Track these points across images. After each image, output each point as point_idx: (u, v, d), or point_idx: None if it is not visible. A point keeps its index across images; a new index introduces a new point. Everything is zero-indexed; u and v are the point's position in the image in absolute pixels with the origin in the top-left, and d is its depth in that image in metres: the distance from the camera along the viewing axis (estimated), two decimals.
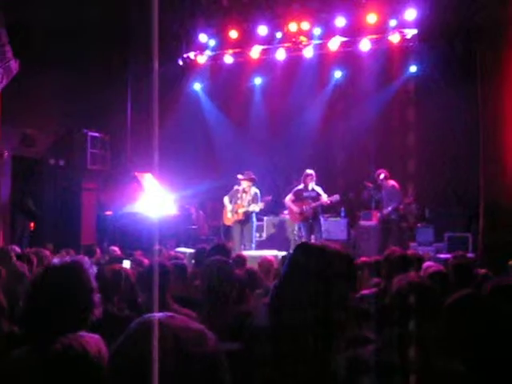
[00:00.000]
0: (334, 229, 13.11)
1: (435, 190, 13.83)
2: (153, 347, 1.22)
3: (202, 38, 15.14)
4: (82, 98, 13.03)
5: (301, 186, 12.02)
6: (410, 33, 13.54)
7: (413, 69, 14.51)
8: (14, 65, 11.16)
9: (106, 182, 14.40)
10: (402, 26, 13.57)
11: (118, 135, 14.79)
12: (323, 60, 14.80)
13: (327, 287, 1.76)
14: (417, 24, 13.31)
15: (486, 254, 10.16)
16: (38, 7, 11.41)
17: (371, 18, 13.52)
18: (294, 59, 14.90)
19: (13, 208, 12.57)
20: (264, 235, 13.69)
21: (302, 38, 14.52)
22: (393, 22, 13.59)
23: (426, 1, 12.85)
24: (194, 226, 14.51)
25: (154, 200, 12.60)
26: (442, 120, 13.52)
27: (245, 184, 11.95)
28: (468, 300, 2.85)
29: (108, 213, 13.79)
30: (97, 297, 2.62)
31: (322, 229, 12.05)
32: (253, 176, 12.01)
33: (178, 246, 12.23)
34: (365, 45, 13.93)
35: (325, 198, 11.73)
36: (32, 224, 13.26)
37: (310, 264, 1.81)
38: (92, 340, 2.28)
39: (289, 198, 12.16)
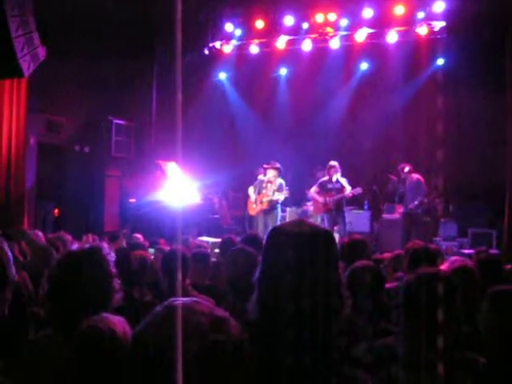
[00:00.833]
0: (357, 221, 13.06)
1: (460, 185, 13.70)
2: (176, 331, 1.22)
3: (228, 27, 15.11)
4: (107, 85, 13.08)
5: (325, 178, 12.00)
6: (438, 25, 13.40)
7: (440, 61, 14.35)
8: (42, 52, 11.22)
9: (129, 170, 14.47)
10: (429, 18, 13.43)
11: (142, 123, 14.86)
12: (349, 51, 14.71)
13: (311, 272, 1.72)
14: (445, 16, 13.17)
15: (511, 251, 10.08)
16: None
17: (399, 10, 13.40)
18: (320, 50, 14.81)
19: (37, 194, 12.69)
20: None
21: (329, 29, 14.43)
22: (420, 14, 13.45)
23: None
24: (216, 216, 14.53)
25: (177, 188, 12.64)
26: (469, 113, 13.39)
27: (270, 174, 11.95)
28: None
29: (131, 200, 13.87)
30: (116, 282, 2.65)
31: (346, 220, 12.01)
32: (278, 165, 12.00)
33: (201, 235, 12.28)
34: (392, 37, 13.80)
35: (348, 190, 11.70)
36: (56, 210, 13.38)
37: (286, 250, 1.76)
38: (117, 321, 2.30)
39: (313, 190, 12.15)
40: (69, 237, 6.90)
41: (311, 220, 13.15)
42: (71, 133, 13.68)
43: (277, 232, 1.84)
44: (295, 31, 14.66)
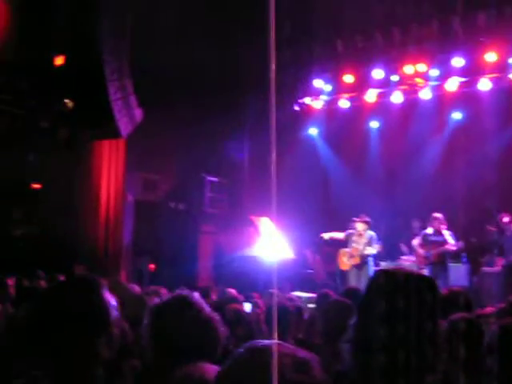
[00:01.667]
0: (455, 275, 12.63)
1: None
2: (259, 373, 1.22)
3: (318, 83, 15.28)
4: (200, 143, 13.44)
5: (429, 230, 11.73)
6: None
7: None
8: (138, 113, 11.72)
9: (223, 226, 14.67)
10: None
11: (235, 179, 15.10)
12: (441, 101, 14.51)
13: (415, 320, 1.67)
14: None
15: None
16: (160, 59, 11.96)
17: (490, 57, 13.17)
18: (411, 101, 14.71)
19: (134, 249, 13.04)
20: None
21: (419, 80, 14.35)
22: None
23: None
24: (310, 271, 14.44)
25: (271, 244, 12.69)
26: None
27: (360, 227, 11.84)
28: None
29: (225, 256, 14.00)
30: (222, 329, 2.66)
31: (448, 275, 11.65)
32: (367, 219, 11.88)
33: (294, 290, 12.20)
34: (484, 84, 13.55)
35: (451, 243, 11.40)
36: (151, 265, 13.67)
37: (391, 295, 1.71)
38: (212, 370, 2.30)
39: (416, 241, 11.92)
40: (164, 290, 7.02)
41: None
42: (166, 190, 14.07)
43: (375, 279, 1.82)
44: (385, 84, 14.66)
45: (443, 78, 13.98)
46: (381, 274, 1.83)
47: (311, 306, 7.85)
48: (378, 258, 12.52)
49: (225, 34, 13.68)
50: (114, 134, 11.72)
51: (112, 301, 2.26)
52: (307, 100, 15.64)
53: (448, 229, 12.01)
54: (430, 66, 13.99)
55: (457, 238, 11.78)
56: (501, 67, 13.36)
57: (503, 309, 5.99)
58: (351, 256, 11.90)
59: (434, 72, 14.01)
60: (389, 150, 15.51)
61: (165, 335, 2.57)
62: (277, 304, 5.00)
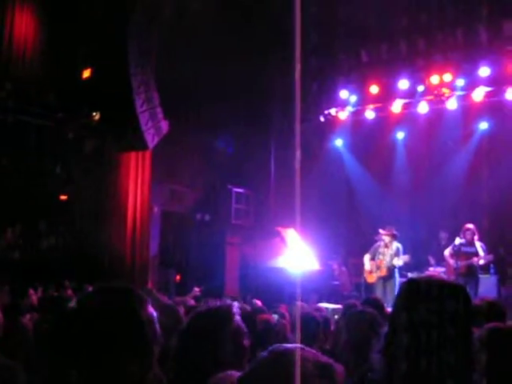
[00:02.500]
0: (483, 286, 12.48)
1: None
2: (281, 377, 1.23)
3: (343, 94, 15.26)
4: (226, 155, 13.50)
5: (461, 241, 11.63)
6: None
7: None
8: (164, 125, 11.81)
9: (249, 237, 14.69)
10: None
11: (261, 191, 15.12)
12: (467, 111, 14.41)
13: (436, 327, 1.66)
14: None
15: None
16: (186, 70, 12.06)
17: None
18: (437, 112, 14.62)
19: (160, 260, 13.11)
20: None
21: (445, 90, 14.25)
22: None
23: None
24: (336, 282, 14.39)
25: (297, 255, 12.67)
26: None
27: (386, 239, 11.78)
28: None
29: (251, 267, 14.01)
30: (247, 341, 2.66)
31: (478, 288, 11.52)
32: (394, 231, 11.82)
33: (320, 302, 12.16)
34: (511, 94, 13.44)
35: (481, 255, 11.30)
36: (178, 276, 13.72)
37: (413, 302, 1.71)
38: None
39: (448, 251, 11.84)
40: (192, 301, 7.05)
41: None
42: (193, 201, 14.15)
43: (405, 287, 1.82)
44: (410, 94, 14.59)
45: (469, 87, 13.87)
46: (405, 282, 1.83)
47: (337, 317, 7.80)
48: (404, 269, 12.44)
49: (251, 46, 13.74)
50: (141, 145, 11.83)
51: (153, 315, 2.13)
52: (333, 111, 15.62)
53: (479, 239, 11.90)
54: (456, 75, 13.91)
55: (487, 250, 11.65)
56: None
57: None
58: (378, 268, 11.84)
59: (460, 82, 13.92)
60: (414, 161, 15.43)
61: (193, 347, 2.58)
62: (303, 315, 4.99)
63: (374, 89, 14.79)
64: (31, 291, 8.74)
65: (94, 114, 11.77)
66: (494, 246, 13.40)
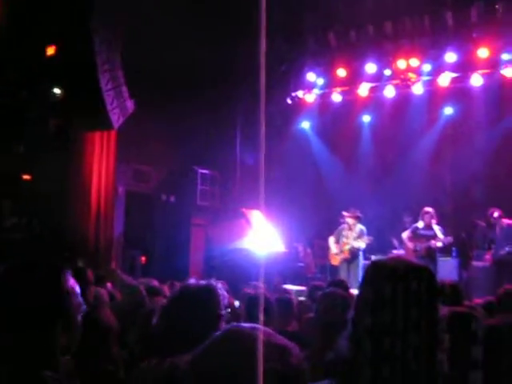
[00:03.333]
0: (445, 269, 12.66)
1: None
2: (233, 358, 1.21)
3: (311, 76, 15.28)
4: (192, 135, 13.42)
5: (419, 224, 11.79)
6: None
7: None
8: (130, 104, 11.67)
9: (214, 218, 14.67)
10: None
11: (227, 172, 15.10)
12: (433, 96, 14.55)
13: (408, 308, 1.67)
14: None
15: None
16: (153, 51, 11.92)
17: (482, 53, 13.20)
18: (403, 96, 14.74)
19: (125, 241, 13.02)
20: None
21: (411, 75, 14.36)
22: (505, 56, 13.20)
23: None
24: (301, 264, 14.46)
25: (262, 237, 12.69)
26: None
27: (350, 221, 11.87)
28: None
29: (216, 248, 14.00)
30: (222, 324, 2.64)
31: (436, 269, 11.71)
32: (358, 213, 11.90)
33: (285, 284, 12.22)
34: (476, 80, 13.59)
35: (440, 238, 11.46)
36: (143, 257, 13.66)
37: (383, 286, 1.71)
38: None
39: (406, 235, 11.97)
40: (155, 282, 7.04)
41: None
42: (158, 182, 14.05)
43: (374, 267, 1.82)
44: (377, 78, 14.68)
45: (435, 72, 14.01)
46: (371, 264, 1.84)
47: (302, 298, 7.85)
48: (368, 251, 12.55)
49: (218, 28, 13.63)
50: (106, 125, 11.67)
51: (75, 288, 2.14)
52: (300, 93, 15.64)
53: (438, 223, 12.06)
54: (423, 60, 14.02)
55: (446, 232, 11.84)
56: (493, 63, 13.40)
57: (491, 302, 6.04)
58: (341, 250, 11.92)
59: (427, 67, 14.05)
60: (380, 144, 15.54)
61: (175, 323, 2.54)
62: (262, 296, 5.00)
63: (342, 72, 14.83)
64: None
65: (58, 92, 11.56)
66: (456, 229, 13.61)
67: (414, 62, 14.04)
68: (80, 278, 4.46)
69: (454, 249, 13.23)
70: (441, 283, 5.11)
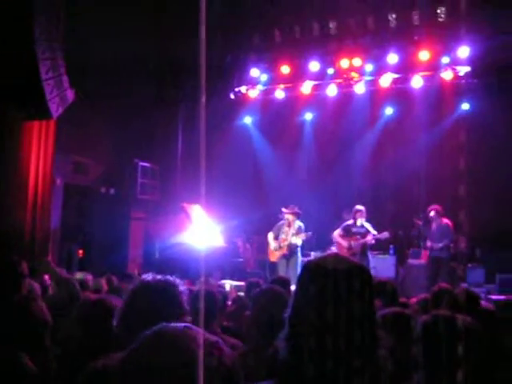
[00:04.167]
0: (382, 266, 12.90)
1: (487, 230, 13.52)
2: (163, 357, 1.20)
3: (254, 72, 15.30)
4: (133, 128, 13.26)
5: (350, 222, 11.95)
6: (463, 70, 13.44)
7: (465, 106, 14.33)
8: (70, 94, 11.43)
9: (154, 212, 14.55)
10: (454, 63, 13.49)
11: (167, 166, 14.98)
12: (374, 96, 14.78)
13: (344, 307, 1.68)
14: (470, 61, 13.22)
15: None
16: (94, 41, 11.72)
17: (424, 55, 13.48)
18: (345, 95, 14.91)
19: (62, 234, 12.78)
20: None
21: (354, 74, 14.55)
22: (445, 59, 13.52)
23: (479, 38, 12.75)
24: (240, 259, 14.48)
25: (202, 231, 12.64)
26: (496, 158, 13.29)
27: (289, 218, 11.94)
28: None
29: (156, 242, 13.90)
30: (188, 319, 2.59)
31: (371, 265, 11.88)
32: (297, 210, 11.98)
33: (224, 279, 12.22)
34: (417, 82, 13.86)
35: (373, 234, 11.63)
36: (80, 251, 13.45)
37: (318, 285, 1.72)
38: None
39: (337, 233, 12.09)
40: (90, 277, 6.95)
41: None
42: (97, 174, 13.83)
43: (311, 266, 1.81)
44: (320, 76, 14.80)
45: (377, 73, 14.22)
46: (309, 261, 1.83)
47: (241, 293, 7.87)
48: (308, 248, 12.65)
49: (161, 21, 13.51)
50: (45, 114, 11.38)
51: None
52: (243, 89, 15.64)
53: (377, 220, 12.26)
54: (365, 60, 14.22)
55: (381, 229, 11.99)
56: (433, 66, 13.69)
57: (426, 299, 6.18)
58: (280, 246, 11.97)
59: (369, 67, 14.25)
60: (322, 142, 15.70)
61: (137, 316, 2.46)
62: (205, 292, 4.97)
63: (285, 69, 14.90)
64: None
65: None
66: (394, 227, 13.86)
67: (357, 61, 14.22)
68: (14, 270, 4.35)
69: (391, 246, 13.48)
70: (378, 281, 5.20)
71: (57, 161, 11.95)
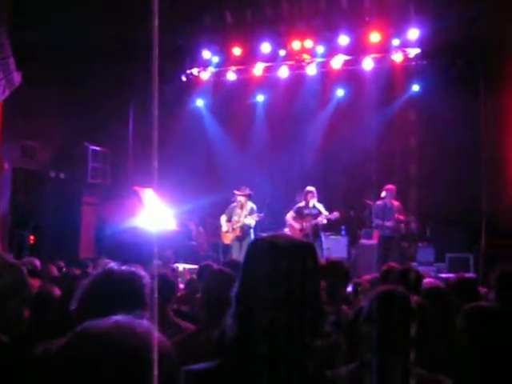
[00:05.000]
0: (334, 247, 13.04)
1: (437, 210, 13.76)
2: (94, 349, 1.18)
3: (206, 54, 15.19)
4: (83, 111, 13.04)
5: (302, 204, 12.02)
6: (413, 52, 13.59)
7: (415, 87, 14.51)
8: (17, 77, 11.19)
9: (106, 196, 14.38)
10: (404, 45, 13.62)
11: (119, 149, 14.79)
12: (326, 78, 14.84)
13: (290, 284, 1.69)
14: (419, 43, 13.36)
15: (488, 271, 10.16)
16: (44, 22, 11.47)
17: (374, 37, 13.57)
18: (297, 77, 14.93)
19: (12, 220, 12.55)
20: None
21: (305, 56, 14.57)
22: (396, 41, 13.65)
23: (428, 20, 12.89)
24: (193, 243, 14.45)
25: (154, 215, 12.55)
26: (445, 138, 13.50)
27: (241, 199, 11.97)
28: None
29: (108, 227, 13.75)
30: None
31: (324, 246, 12.00)
32: (248, 191, 12.01)
33: (177, 262, 12.19)
34: (368, 63, 13.96)
35: (325, 215, 11.74)
36: (31, 237, 13.22)
37: (264, 262, 1.72)
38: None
39: (290, 215, 12.16)
40: (37, 262, 6.89)
41: None
42: (47, 159, 13.58)
43: (256, 244, 1.81)
44: (272, 58, 14.78)
45: (329, 54, 14.27)
46: (254, 240, 1.83)
47: (194, 277, 7.86)
48: (260, 230, 12.69)
49: (111, 2, 13.26)
50: None
51: None
52: (195, 71, 15.51)
53: (329, 201, 12.36)
54: (317, 42, 14.24)
55: (332, 209, 12.10)
56: (383, 48, 13.80)
57: (376, 278, 6.30)
58: (233, 228, 12.00)
59: (320, 49, 14.28)
60: (274, 124, 15.70)
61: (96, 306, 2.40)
62: (159, 276, 4.94)
63: (237, 51, 14.84)
64: None
65: None
66: (345, 208, 14.00)
67: (309, 43, 14.24)
68: None
69: (343, 227, 13.63)
70: (331, 261, 5.26)
71: (4, 145, 11.69)
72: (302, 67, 14.72)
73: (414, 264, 12.22)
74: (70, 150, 13.78)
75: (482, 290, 5.88)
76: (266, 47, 14.50)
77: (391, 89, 14.39)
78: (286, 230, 13.15)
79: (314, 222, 11.76)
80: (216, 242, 14.22)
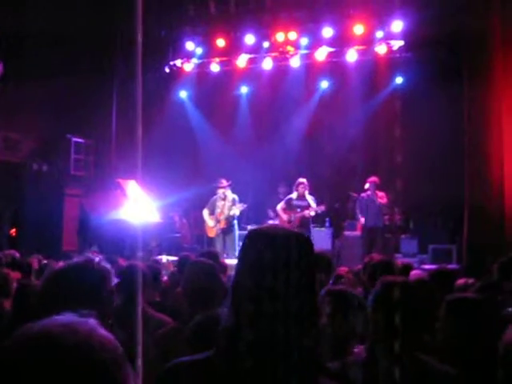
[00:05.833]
0: (318, 238, 13.04)
1: (420, 201, 13.83)
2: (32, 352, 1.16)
3: (189, 45, 15.11)
4: (66, 103, 12.94)
5: (293, 195, 12.05)
6: (397, 44, 13.60)
7: (399, 80, 14.57)
8: None
9: (89, 189, 14.30)
10: (388, 37, 13.63)
11: (102, 141, 14.70)
12: (310, 70, 14.83)
13: (286, 274, 1.69)
14: (403, 35, 13.38)
15: (471, 262, 10.25)
16: (26, 13, 11.36)
17: (358, 29, 13.57)
18: (281, 69, 14.91)
19: None
20: None
21: (289, 48, 14.54)
22: (379, 34, 13.65)
23: (412, 12, 12.91)
24: (177, 234, 14.42)
25: (138, 207, 12.51)
26: (428, 131, 13.53)
27: (223, 191, 11.98)
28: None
29: (91, 219, 13.67)
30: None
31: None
32: (226, 183, 12.02)
33: (161, 254, 12.15)
34: (351, 55, 13.97)
35: (313, 207, 11.78)
36: (13, 229, 13.13)
37: (261, 252, 1.72)
38: None
39: (280, 206, 12.18)
40: (17, 254, 6.87)
41: None
42: (29, 151, 13.48)
43: (253, 234, 1.81)
44: (256, 50, 14.73)
45: (313, 46, 14.25)
46: (250, 232, 1.83)
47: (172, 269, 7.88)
48: (244, 222, 12.69)
49: None
50: None
51: None
52: (178, 62, 15.42)
53: (313, 194, 12.38)
54: (301, 34, 14.21)
55: (319, 202, 12.17)
56: (367, 40, 13.80)
57: (359, 270, 6.35)
58: (217, 221, 11.99)
59: (304, 40, 14.26)
60: (258, 116, 15.68)
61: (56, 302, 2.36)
62: (130, 266, 4.92)
63: (221, 42, 14.77)
64: None
65: None
66: (329, 200, 14.04)
67: (292, 35, 14.21)
68: None
69: (327, 219, 13.66)
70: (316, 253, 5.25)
71: None
72: (285, 59, 14.69)
73: (397, 256, 12.34)
74: (52, 142, 13.68)
75: (463, 280, 5.93)
76: (249, 39, 14.45)
77: (375, 81, 14.42)
78: (270, 222, 13.17)
79: (301, 214, 11.79)
80: (200, 233, 14.20)
